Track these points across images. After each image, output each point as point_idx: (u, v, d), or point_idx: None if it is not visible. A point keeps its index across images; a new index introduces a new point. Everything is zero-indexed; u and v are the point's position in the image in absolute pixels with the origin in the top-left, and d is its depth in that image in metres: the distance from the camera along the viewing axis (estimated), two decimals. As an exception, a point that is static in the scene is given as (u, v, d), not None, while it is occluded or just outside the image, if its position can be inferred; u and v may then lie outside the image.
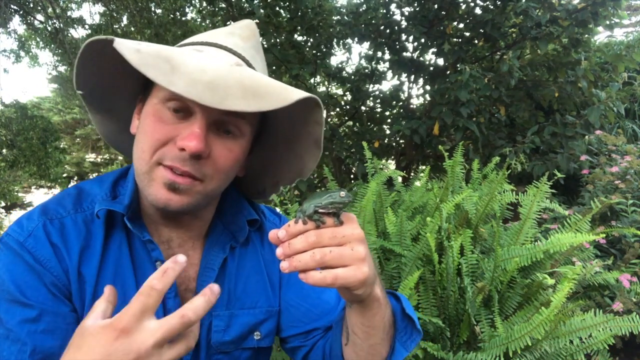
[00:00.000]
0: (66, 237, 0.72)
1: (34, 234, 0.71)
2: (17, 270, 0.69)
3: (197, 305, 0.57)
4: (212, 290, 0.59)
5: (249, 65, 0.76)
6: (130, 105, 0.80)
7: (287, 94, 0.64)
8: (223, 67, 0.65)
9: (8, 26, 7.17)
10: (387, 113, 5.34)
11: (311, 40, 4.95)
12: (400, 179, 2.84)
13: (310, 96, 0.66)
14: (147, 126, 0.70)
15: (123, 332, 0.54)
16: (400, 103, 5.16)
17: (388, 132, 5.15)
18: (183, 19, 6.81)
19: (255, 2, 4.80)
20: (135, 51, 0.60)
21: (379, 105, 5.35)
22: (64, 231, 0.73)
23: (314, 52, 4.92)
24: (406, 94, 5.08)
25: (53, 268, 0.70)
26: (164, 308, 0.76)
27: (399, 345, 0.76)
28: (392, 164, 5.24)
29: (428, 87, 4.85)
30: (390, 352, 0.76)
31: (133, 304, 0.56)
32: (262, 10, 4.58)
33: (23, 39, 8.02)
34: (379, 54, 4.90)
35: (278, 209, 2.74)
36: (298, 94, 0.64)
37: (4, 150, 6.83)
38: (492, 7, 4.21)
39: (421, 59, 4.82)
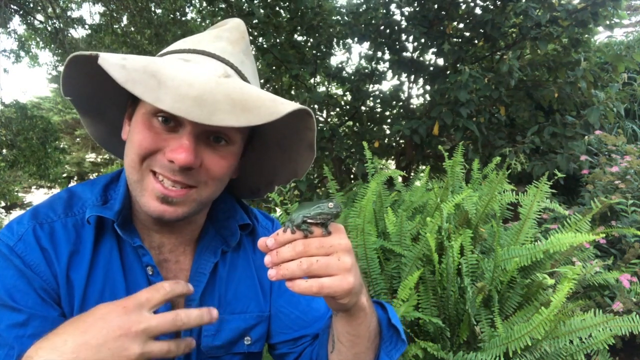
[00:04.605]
0: (56, 241, 0.72)
1: (23, 239, 0.71)
2: (6, 275, 0.69)
3: (191, 313, 0.63)
4: (210, 313, 0.64)
5: (238, 71, 0.75)
6: (120, 108, 0.80)
7: (275, 108, 0.63)
8: (211, 79, 0.64)
9: (8, 26, 7.17)
10: (387, 113, 5.34)
11: (311, 40, 4.95)
12: (400, 179, 2.85)
13: (300, 108, 0.66)
14: (136, 135, 0.70)
15: (124, 308, 0.59)
16: (400, 103, 5.17)
17: (388, 132, 5.15)
18: (183, 19, 6.80)
19: (255, 2, 4.80)
20: (121, 67, 0.59)
21: (379, 105, 5.35)
22: (53, 235, 0.73)
23: (314, 52, 4.92)
24: (406, 94, 5.09)
25: (42, 272, 0.70)
26: (156, 312, 0.76)
27: (384, 355, 0.77)
28: (392, 164, 5.24)
29: (428, 87, 4.85)
30: None
31: (142, 292, 0.61)
32: (262, 10, 4.58)
33: (23, 39, 8.01)
34: (379, 54, 4.90)
35: (278, 209, 2.75)
36: (287, 106, 0.64)
37: (4, 150, 6.83)
38: (492, 7, 4.21)
39: (421, 59, 4.83)
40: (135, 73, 0.59)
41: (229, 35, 0.78)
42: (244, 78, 0.76)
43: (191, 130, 0.67)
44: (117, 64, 0.59)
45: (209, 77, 0.65)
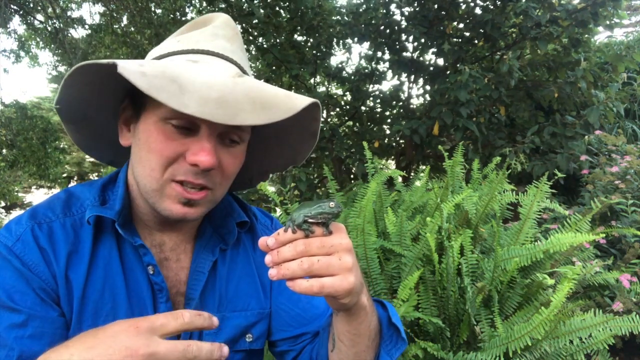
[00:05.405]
0: (54, 241, 0.72)
1: (22, 239, 0.71)
2: (5, 275, 0.69)
3: (203, 346, 0.60)
4: (221, 349, 0.61)
5: (242, 69, 0.77)
6: (107, 114, 0.79)
7: (292, 103, 0.66)
8: (227, 80, 0.65)
9: (8, 26, 7.16)
10: (387, 113, 5.34)
11: (311, 40, 4.95)
12: (400, 179, 2.85)
13: (313, 101, 0.68)
14: (153, 144, 0.70)
15: (137, 329, 0.57)
16: (400, 103, 5.16)
17: (388, 132, 5.15)
18: (183, 19, 6.80)
19: (255, 2, 4.80)
20: (141, 75, 0.59)
21: (379, 105, 5.35)
22: (52, 235, 0.73)
23: (314, 52, 4.92)
24: (406, 94, 5.08)
25: (41, 272, 0.70)
26: (155, 312, 0.76)
27: (384, 353, 0.77)
28: (392, 164, 5.24)
29: (428, 87, 4.85)
30: (375, 359, 0.77)
31: (159, 315, 0.59)
32: (262, 11, 4.58)
33: (23, 39, 8.01)
34: (379, 54, 4.90)
35: (278, 209, 2.75)
36: (302, 101, 0.66)
37: (4, 150, 6.83)
38: (492, 7, 4.21)
39: (421, 59, 4.82)
40: (155, 79, 0.60)
41: (224, 33, 0.79)
42: (247, 75, 0.77)
43: (210, 133, 0.69)
44: (137, 72, 0.59)
45: (224, 77, 0.66)
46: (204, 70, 0.68)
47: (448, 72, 4.36)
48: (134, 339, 0.56)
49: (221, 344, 0.62)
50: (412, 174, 4.40)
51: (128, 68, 0.59)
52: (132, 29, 7.14)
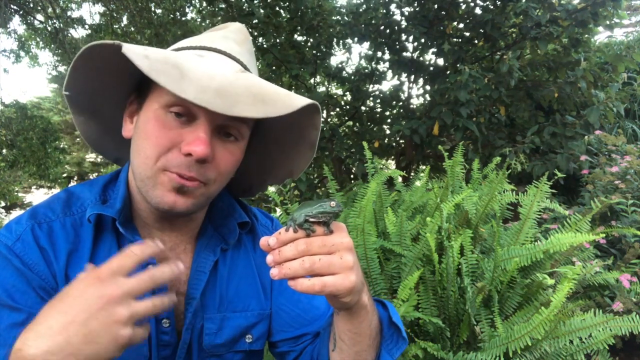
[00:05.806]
0: (54, 240, 0.73)
1: (22, 238, 0.71)
2: (5, 275, 0.69)
3: (163, 268, 0.62)
4: (177, 265, 0.63)
5: (247, 70, 0.77)
6: (116, 107, 0.80)
7: (292, 101, 0.66)
8: (229, 73, 0.66)
9: (8, 26, 7.17)
10: (387, 113, 5.33)
11: (311, 40, 4.95)
12: (400, 179, 2.85)
13: (312, 102, 0.69)
14: (149, 132, 0.70)
15: (98, 279, 0.58)
16: (400, 103, 5.16)
17: (388, 132, 5.15)
18: (183, 19, 6.80)
19: (255, 2, 4.80)
20: (144, 57, 0.60)
21: (379, 105, 5.34)
22: (52, 235, 0.73)
23: (314, 52, 4.92)
24: (406, 94, 5.08)
25: (41, 272, 0.70)
26: None
27: (385, 353, 0.77)
28: (392, 164, 5.24)
29: (428, 87, 4.84)
30: (376, 358, 0.77)
31: (112, 261, 0.60)
32: (262, 11, 4.58)
33: (23, 39, 8.02)
34: (379, 54, 4.90)
35: (278, 209, 2.75)
36: (302, 100, 0.67)
37: (4, 150, 6.84)
38: (492, 7, 4.21)
39: (421, 59, 4.82)
40: (158, 63, 0.60)
41: (235, 37, 0.80)
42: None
43: (206, 123, 0.69)
44: (140, 54, 0.60)
45: (227, 70, 0.67)
46: (207, 63, 0.69)
47: (448, 72, 4.36)
48: (102, 287, 0.57)
49: (176, 261, 0.63)
50: (412, 174, 4.39)
51: (132, 50, 0.60)
52: (132, 29, 7.14)
